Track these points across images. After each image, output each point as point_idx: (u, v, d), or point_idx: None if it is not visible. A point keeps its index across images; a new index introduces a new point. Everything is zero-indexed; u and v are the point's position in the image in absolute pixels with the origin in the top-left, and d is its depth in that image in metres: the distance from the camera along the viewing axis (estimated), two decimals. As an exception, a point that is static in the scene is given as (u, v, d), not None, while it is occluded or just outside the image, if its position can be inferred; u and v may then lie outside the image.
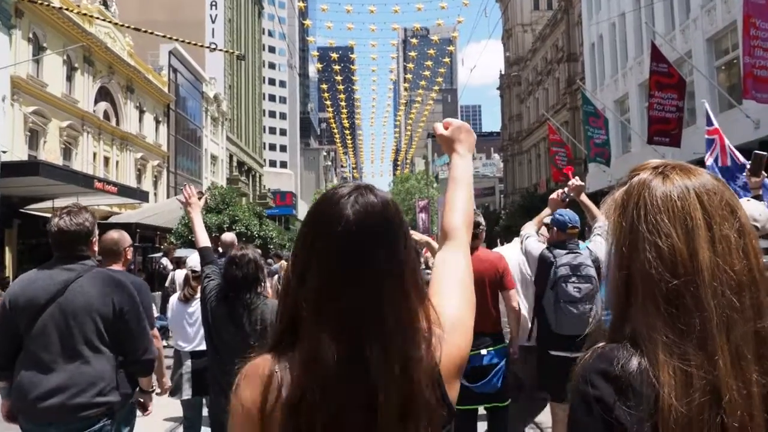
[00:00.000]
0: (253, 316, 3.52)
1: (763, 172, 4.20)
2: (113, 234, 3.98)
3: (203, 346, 4.41)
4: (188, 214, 3.82)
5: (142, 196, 23.45)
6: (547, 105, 43.14)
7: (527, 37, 50.87)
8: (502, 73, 57.07)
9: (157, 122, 34.50)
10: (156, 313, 10.76)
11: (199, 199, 3.87)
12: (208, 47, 16.66)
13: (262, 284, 3.70)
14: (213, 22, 47.67)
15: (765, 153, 4.13)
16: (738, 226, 1.01)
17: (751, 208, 3.28)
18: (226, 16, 49.15)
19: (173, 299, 5.44)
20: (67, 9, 21.88)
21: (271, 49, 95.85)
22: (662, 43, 18.92)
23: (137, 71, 30.52)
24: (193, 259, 5.20)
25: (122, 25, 18.47)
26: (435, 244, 4.87)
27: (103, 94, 28.15)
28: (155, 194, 33.72)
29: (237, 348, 3.24)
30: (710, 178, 1.05)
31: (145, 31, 15.53)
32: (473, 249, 4.48)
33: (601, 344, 1.02)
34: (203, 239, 3.75)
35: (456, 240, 1.37)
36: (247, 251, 3.67)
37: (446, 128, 1.53)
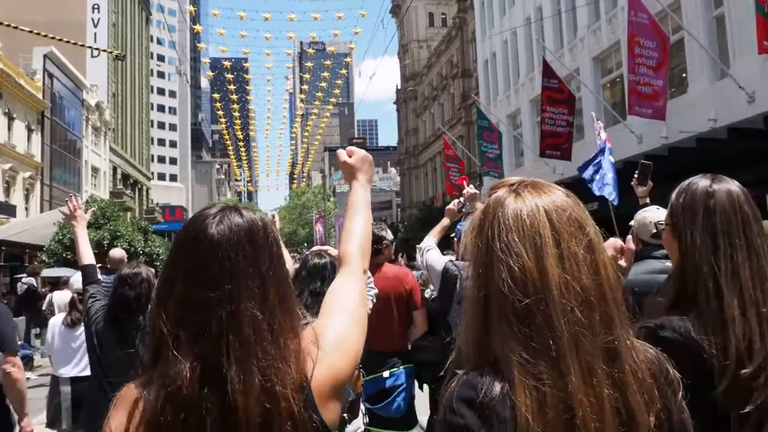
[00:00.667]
0: (147, 338, 3.29)
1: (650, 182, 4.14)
2: None
3: (87, 372, 4.20)
4: (72, 228, 3.57)
5: (9, 210, 21.25)
6: (443, 119, 43.94)
7: (423, 53, 51.77)
8: (399, 87, 57.74)
9: (30, 131, 31.69)
10: (19, 341, 9.55)
11: (86, 212, 3.64)
12: (84, 46, 15.19)
13: None
14: (95, 25, 44.81)
15: (650, 162, 4.07)
16: (587, 242, 1.01)
17: (661, 215, 3.04)
18: (110, 20, 46.38)
19: (55, 322, 5.08)
20: None
21: (161, 58, 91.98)
22: (552, 59, 19.51)
23: (5, 74, 27.85)
24: (80, 281, 4.88)
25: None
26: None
27: (-36, 98, 25.43)
28: (26, 208, 30.90)
29: (126, 372, 2.93)
30: (561, 195, 1.05)
31: (11, 26, 13.98)
32: (378, 265, 4.32)
33: (463, 371, 1.01)
34: (87, 256, 3.48)
35: (350, 266, 1.41)
36: (140, 269, 3.52)
37: (350, 156, 1.57)
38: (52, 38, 14.66)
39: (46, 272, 18.72)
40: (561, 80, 18.07)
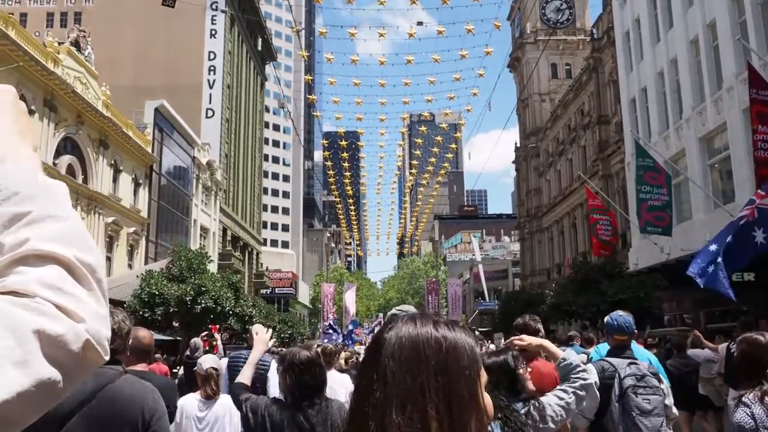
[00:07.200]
0: (323, 417, 3.33)
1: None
2: (142, 332, 3.70)
3: None
4: (258, 349, 3.95)
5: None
6: (571, 177, 39.30)
7: (545, 107, 47.79)
8: (518, 145, 53.70)
9: (137, 185, 30.56)
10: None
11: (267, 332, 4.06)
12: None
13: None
14: (211, 87, 44.90)
15: None
16: None
17: None
18: (225, 82, 46.40)
19: (191, 399, 4.68)
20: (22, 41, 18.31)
21: (276, 128, 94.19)
22: (764, 65, 14.85)
23: (113, 124, 26.79)
24: (209, 360, 4.94)
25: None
26: (553, 348, 3.49)
27: (69, 147, 24.29)
28: (130, 265, 29.30)
29: None
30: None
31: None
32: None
33: None
34: (246, 377, 3.74)
35: None
36: (309, 353, 3.57)
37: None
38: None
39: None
40: (775, 90, 13.46)
